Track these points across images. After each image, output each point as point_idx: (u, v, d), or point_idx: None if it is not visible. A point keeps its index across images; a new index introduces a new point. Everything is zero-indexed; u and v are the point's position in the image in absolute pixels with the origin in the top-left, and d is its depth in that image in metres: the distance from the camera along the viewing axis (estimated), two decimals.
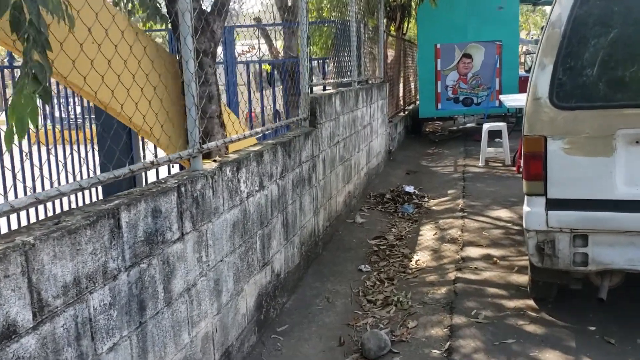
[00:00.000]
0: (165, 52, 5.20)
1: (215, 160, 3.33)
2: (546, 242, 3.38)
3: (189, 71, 2.94)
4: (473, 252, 4.98)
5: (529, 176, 3.44)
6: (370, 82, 8.62)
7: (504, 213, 6.04)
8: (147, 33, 5.42)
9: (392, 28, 13.58)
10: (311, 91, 6.18)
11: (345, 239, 5.61)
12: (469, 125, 12.00)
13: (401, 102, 12.93)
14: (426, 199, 7.05)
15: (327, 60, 8.45)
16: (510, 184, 7.29)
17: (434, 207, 6.67)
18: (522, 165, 3.67)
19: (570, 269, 3.40)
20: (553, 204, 3.36)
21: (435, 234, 5.66)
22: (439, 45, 11.27)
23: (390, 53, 12.12)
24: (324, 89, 7.48)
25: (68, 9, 2.69)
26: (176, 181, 2.64)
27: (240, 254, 3.25)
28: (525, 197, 3.52)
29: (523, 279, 4.28)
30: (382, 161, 8.90)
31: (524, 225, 3.54)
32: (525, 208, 3.49)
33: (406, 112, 12.82)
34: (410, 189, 7.25)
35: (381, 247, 5.39)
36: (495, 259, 4.74)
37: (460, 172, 8.37)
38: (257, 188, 3.50)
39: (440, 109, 11.53)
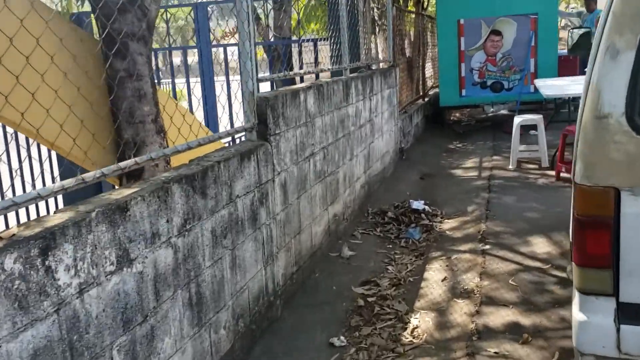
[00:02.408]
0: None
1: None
2: None
3: None
4: (494, 317, 3.46)
5: (583, 259, 1.90)
6: (374, 67, 7.07)
7: (539, 245, 4.47)
8: None
9: (410, 3, 11.92)
10: (278, 86, 4.76)
11: (322, 286, 4.15)
12: (501, 112, 10.27)
13: (420, 88, 11.29)
14: (439, 219, 5.51)
15: (320, 42, 6.93)
16: (547, 197, 5.69)
17: (447, 232, 5.13)
18: (572, 210, 2.13)
19: None
20: (630, 313, 1.83)
21: (444, 278, 4.14)
22: (462, 21, 9.58)
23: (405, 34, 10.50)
24: (317, 78, 6.00)
25: None
26: None
27: None
28: (576, 295, 1.98)
29: None
30: (390, 163, 7.36)
31: (574, 344, 1.99)
32: (577, 315, 1.95)
33: (426, 100, 11.17)
34: (419, 205, 5.72)
35: (369, 300, 3.91)
36: (526, 334, 3.22)
37: (485, 178, 6.78)
38: (109, 269, 2.06)
39: (465, 96, 9.86)
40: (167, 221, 2.40)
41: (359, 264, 4.56)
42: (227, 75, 6.90)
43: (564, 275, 3.87)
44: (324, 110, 4.57)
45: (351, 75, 5.63)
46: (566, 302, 3.49)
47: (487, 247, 4.53)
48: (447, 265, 4.37)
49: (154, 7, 4.22)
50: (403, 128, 8.32)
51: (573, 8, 30.14)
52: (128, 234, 2.14)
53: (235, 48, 5.76)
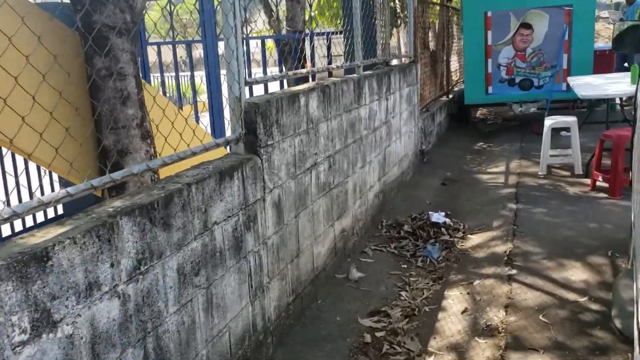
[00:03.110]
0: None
1: None
2: None
3: None
4: None
5: None
6: (393, 63, 6.52)
7: (574, 271, 3.90)
8: None
9: None
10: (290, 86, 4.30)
11: (324, 317, 3.64)
12: (531, 108, 9.61)
13: (444, 84, 10.68)
14: (460, 234, 4.96)
15: (333, 36, 6.40)
16: (582, 210, 5.10)
17: (469, 251, 4.58)
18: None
19: None
20: None
21: (465, 310, 3.60)
22: (489, 13, 8.94)
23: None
24: (330, 76, 5.48)
25: None
26: None
27: None
28: None
29: None
30: (409, 167, 6.81)
31: None
32: None
33: (450, 97, 10.55)
34: (439, 217, 5.17)
35: (377, 335, 3.40)
36: None
37: (512, 185, 6.19)
38: (19, 338, 1.57)
39: (491, 94, 9.23)
40: (112, 265, 1.91)
41: (368, 289, 4.04)
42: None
43: (604, 310, 3.31)
44: (331, 114, 4.05)
45: (365, 73, 5.09)
46: (610, 349, 2.94)
47: (514, 271, 3.97)
48: (468, 293, 3.83)
49: None
50: (424, 128, 7.75)
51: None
52: (50, 289, 1.66)
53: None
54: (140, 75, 3.94)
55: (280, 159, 3.21)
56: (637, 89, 3.47)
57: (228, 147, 2.95)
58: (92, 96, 3.47)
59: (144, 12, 5.91)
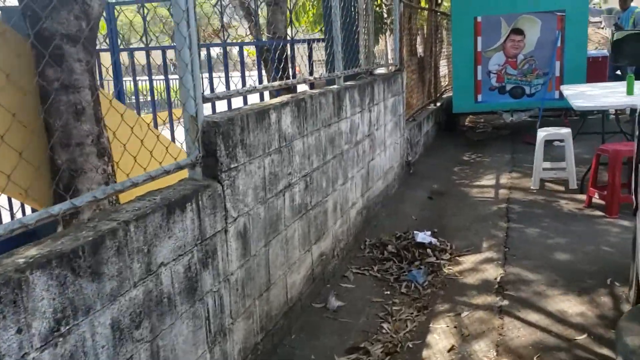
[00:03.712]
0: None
1: None
2: None
3: None
4: None
5: None
6: (377, 72, 6.20)
7: (571, 302, 3.57)
8: None
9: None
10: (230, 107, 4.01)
11: (298, 355, 3.29)
12: (522, 117, 9.31)
13: (432, 91, 10.37)
14: (447, 255, 4.63)
15: (316, 43, 6.08)
16: (578, 230, 4.78)
17: (457, 276, 4.25)
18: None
19: None
20: None
21: (452, 347, 3.27)
22: (479, 18, 8.65)
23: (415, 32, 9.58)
24: (312, 87, 5.16)
25: None
26: None
27: None
28: None
29: None
30: (394, 179, 6.49)
31: None
32: None
33: (438, 104, 10.24)
34: (424, 237, 4.84)
35: None
36: None
37: (503, 200, 5.87)
38: None
39: (481, 102, 8.93)
40: (20, 331, 1.56)
41: (347, 320, 3.70)
42: (210, 77, 6.07)
43: (606, 353, 2.99)
44: (307, 129, 3.71)
45: (346, 83, 4.76)
46: None
47: (506, 302, 3.64)
48: (455, 327, 3.49)
49: (97, 3, 3.40)
50: (410, 138, 7.43)
51: (595, 4, 28.81)
52: None
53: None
54: (98, 85, 3.58)
55: (246, 183, 2.86)
56: None
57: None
58: (45, 111, 3.13)
59: (104, 18, 5.55)
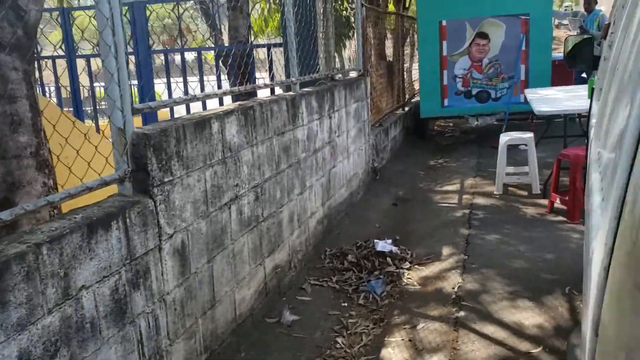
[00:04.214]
0: None
1: None
2: None
3: None
4: None
5: None
6: (338, 77, 6.11)
7: (528, 312, 3.49)
8: None
9: (390, 3, 11.00)
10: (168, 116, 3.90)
11: None
12: (488, 121, 9.27)
13: (400, 96, 10.31)
14: (407, 263, 4.54)
15: (276, 49, 5.97)
16: (539, 237, 4.72)
17: (416, 286, 4.16)
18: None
19: None
20: None
21: None
22: (444, 22, 8.62)
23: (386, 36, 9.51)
24: (272, 93, 5.05)
25: None
26: None
27: None
28: None
29: None
30: (359, 186, 6.39)
31: None
32: None
33: (407, 109, 10.19)
34: (384, 245, 4.74)
35: None
36: None
37: (466, 206, 5.81)
38: None
39: (447, 106, 8.89)
40: None
41: (302, 335, 3.58)
42: (169, 85, 5.95)
43: None
44: (257, 139, 3.59)
45: (303, 90, 4.65)
46: None
47: (462, 313, 3.56)
48: (410, 340, 3.39)
49: (34, 8, 3.25)
50: (377, 144, 7.34)
51: (567, 7, 29.19)
52: None
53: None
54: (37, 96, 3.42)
55: (184, 197, 2.73)
56: (590, 105, 3.12)
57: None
58: None
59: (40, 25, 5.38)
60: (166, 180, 2.58)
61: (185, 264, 2.75)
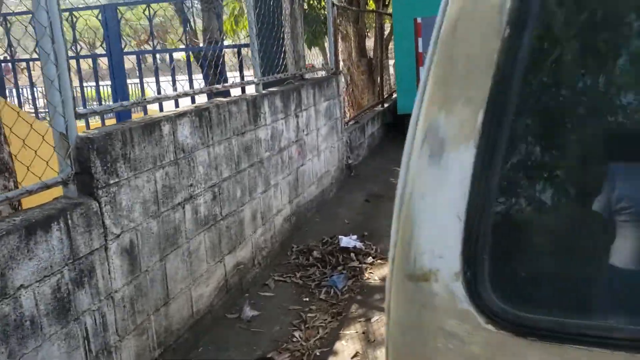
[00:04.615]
0: None
1: None
2: None
3: None
4: None
5: None
6: (308, 76, 6.20)
7: None
8: None
9: (370, 0, 11.09)
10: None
11: None
12: None
13: (379, 92, 10.41)
14: (370, 259, 4.64)
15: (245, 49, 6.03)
16: None
17: (376, 280, 4.26)
18: None
19: None
20: None
21: (355, 354, 3.27)
22: (419, 19, 8.71)
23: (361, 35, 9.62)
24: (243, 92, 5.12)
25: None
26: None
27: None
28: None
29: None
30: (332, 184, 6.49)
31: None
32: None
33: (386, 106, 10.30)
34: (349, 241, 4.84)
35: None
36: None
37: None
38: None
39: None
40: None
41: (260, 329, 3.68)
42: (142, 86, 6.02)
43: None
44: (213, 139, 3.68)
45: (266, 91, 4.74)
46: None
47: None
48: (364, 332, 3.50)
49: None
50: (351, 141, 7.44)
51: None
52: None
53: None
54: None
55: (131, 198, 2.82)
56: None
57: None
58: None
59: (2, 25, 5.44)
60: (112, 182, 2.67)
61: (134, 263, 2.84)
